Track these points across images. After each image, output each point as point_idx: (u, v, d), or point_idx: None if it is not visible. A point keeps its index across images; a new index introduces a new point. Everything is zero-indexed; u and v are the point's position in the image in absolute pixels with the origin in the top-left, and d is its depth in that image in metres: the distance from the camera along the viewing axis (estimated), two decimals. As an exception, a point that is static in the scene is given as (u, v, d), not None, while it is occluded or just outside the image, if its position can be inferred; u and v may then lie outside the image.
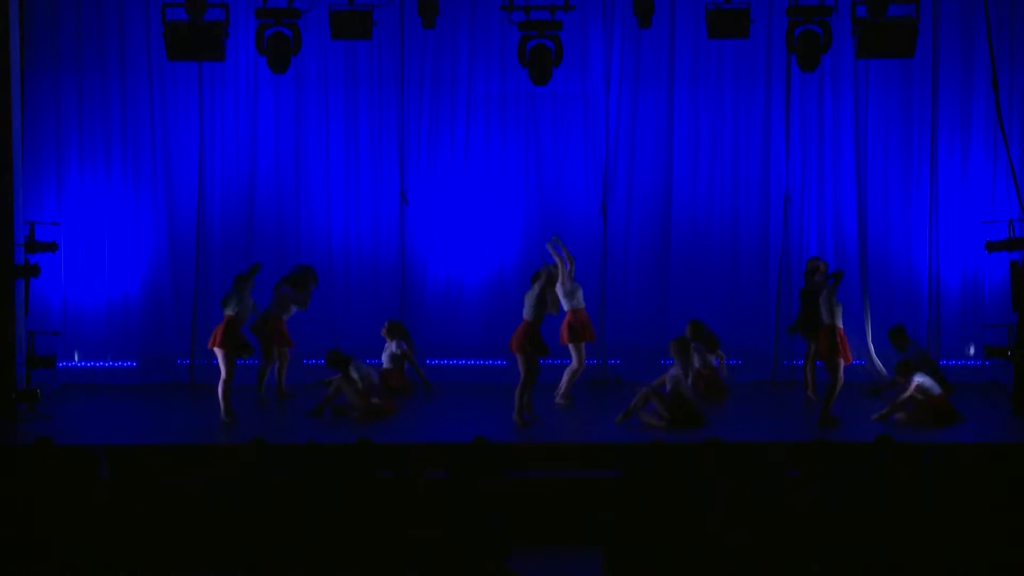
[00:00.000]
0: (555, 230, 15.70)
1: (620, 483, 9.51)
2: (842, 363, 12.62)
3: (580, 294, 13.95)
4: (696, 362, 14.10)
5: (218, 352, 12.91)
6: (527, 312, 12.89)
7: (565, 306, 13.76)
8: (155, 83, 15.55)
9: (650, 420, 12.74)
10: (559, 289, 13.58)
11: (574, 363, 13.93)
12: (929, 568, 8.44)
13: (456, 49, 15.69)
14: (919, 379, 12.91)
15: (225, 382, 12.88)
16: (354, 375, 13.31)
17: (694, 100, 15.76)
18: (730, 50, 15.44)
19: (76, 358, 15.56)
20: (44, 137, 15.39)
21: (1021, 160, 14.89)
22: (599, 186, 15.78)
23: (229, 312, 12.92)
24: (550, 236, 14.88)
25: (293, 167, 15.76)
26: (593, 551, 9.30)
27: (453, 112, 15.78)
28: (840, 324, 12.74)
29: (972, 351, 15.58)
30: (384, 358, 14.88)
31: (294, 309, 14.28)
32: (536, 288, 12.95)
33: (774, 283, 15.81)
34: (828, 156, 15.82)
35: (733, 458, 9.39)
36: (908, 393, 12.87)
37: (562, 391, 14.02)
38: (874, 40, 13.13)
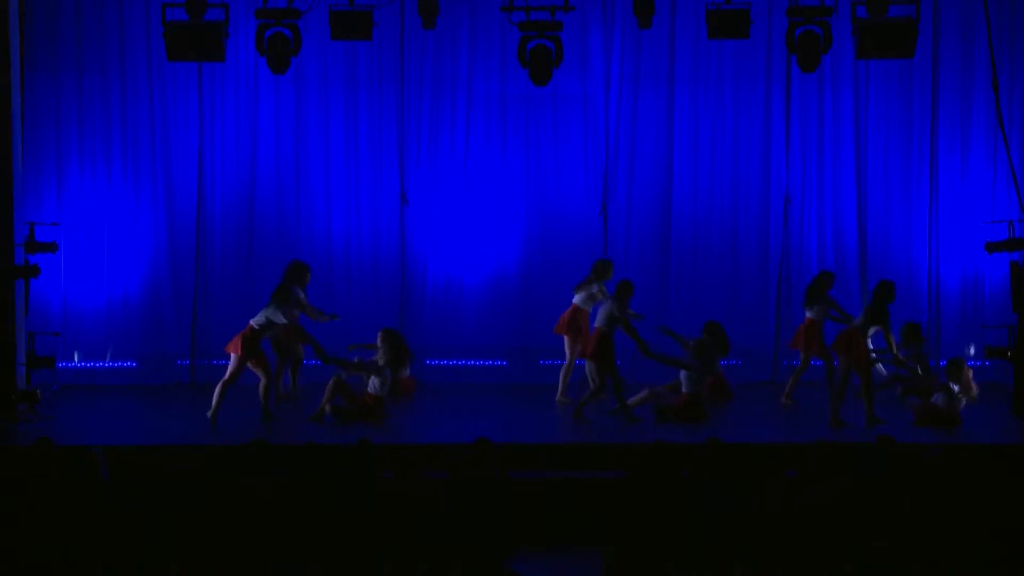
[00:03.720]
0: (555, 230, 15.78)
1: (620, 483, 9.51)
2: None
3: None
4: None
5: (234, 357, 12.88)
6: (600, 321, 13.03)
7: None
8: (155, 83, 15.56)
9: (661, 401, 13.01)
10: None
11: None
12: (929, 568, 8.44)
13: (456, 50, 15.69)
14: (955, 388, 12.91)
15: (226, 383, 12.87)
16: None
17: (694, 101, 15.76)
18: (730, 50, 15.45)
19: (76, 358, 15.56)
20: (44, 137, 15.39)
21: (1021, 160, 14.90)
22: (599, 186, 15.79)
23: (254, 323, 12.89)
24: (550, 236, 15.01)
25: (293, 167, 15.77)
26: (593, 551, 9.30)
27: (453, 112, 15.78)
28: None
29: (972, 351, 15.58)
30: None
31: (303, 303, 14.10)
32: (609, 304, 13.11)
33: (774, 283, 15.81)
34: (828, 156, 15.83)
35: (733, 458, 9.38)
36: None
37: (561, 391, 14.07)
38: (874, 40, 13.14)
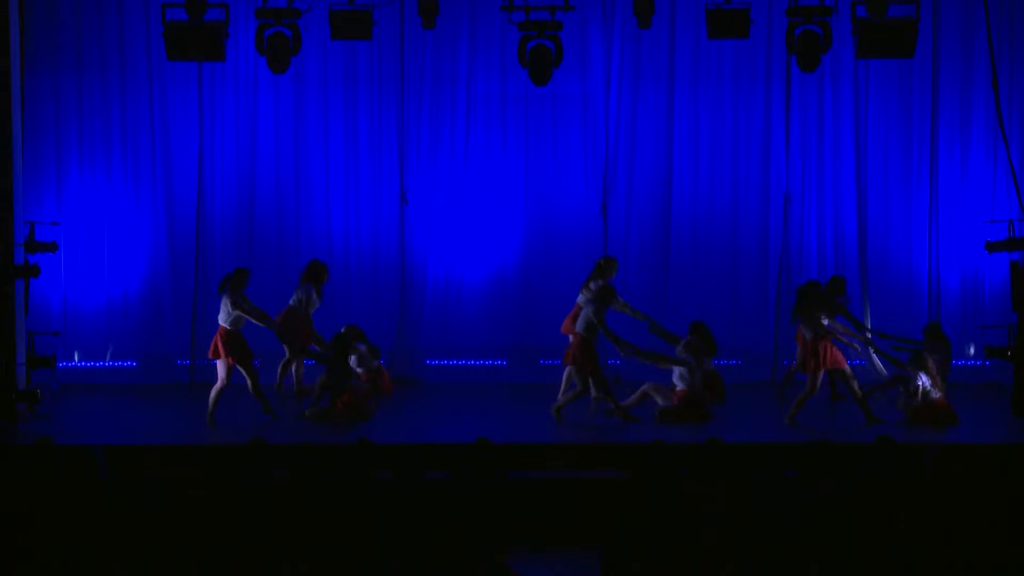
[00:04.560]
0: (555, 230, 15.78)
1: (620, 483, 9.51)
2: (821, 373, 12.72)
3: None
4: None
5: (220, 363, 12.89)
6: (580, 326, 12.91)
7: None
8: (155, 83, 15.56)
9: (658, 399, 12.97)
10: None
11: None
12: (930, 568, 8.44)
13: (456, 49, 15.69)
14: (924, 379, 12.88)
15: (220, 390, 12.93)
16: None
17: (694, 100, 15.76)
18: (730, 50, 15.45)
19: (76, 358, 15.57)
20: (44, 137, 15.40)
21: (1021, 160, 14.90)
22: (599, 186, 15.79)
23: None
24: (550, 236, 15.01)
25: (293, 167, 15.77)
26: (593, 551, 9.30)
27: (453, 112, 15.78)
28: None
29: (972, 351, 15.59)
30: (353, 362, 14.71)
31: (317, 303, 14.15)
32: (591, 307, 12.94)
33: (774, 283, 15.81)
34: (828, 156, 15.83)
35: (733, 458, 9.39)
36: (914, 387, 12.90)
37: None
38: (874, 40, 13.14)
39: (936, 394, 12.81)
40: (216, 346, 12.90)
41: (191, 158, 15.68)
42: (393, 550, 8.64)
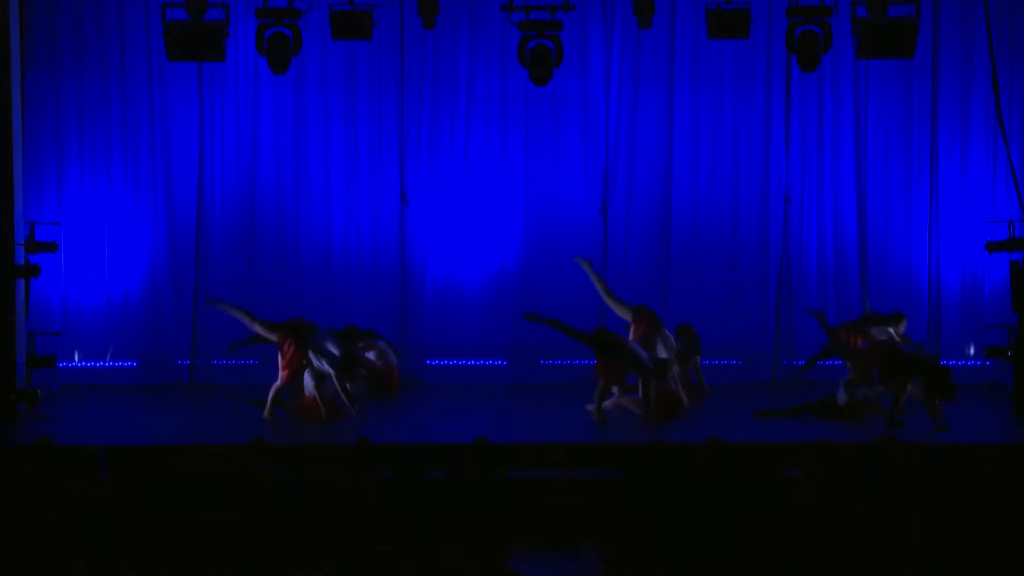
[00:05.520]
0: (555, 230, 15.78)
1: (620, 483, 9.51)
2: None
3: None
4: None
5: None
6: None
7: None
8: (155, 83, 15.55)
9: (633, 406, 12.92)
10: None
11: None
12: (929, 568, 8.45)
13: (456, 49, 15.69)
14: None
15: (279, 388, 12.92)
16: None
17: (694, 100, 15.76)
18: (730, 50, 15.44)
19: (76, 358, 15.57)
20: (44, 137, 15.39)
21: (1021, 160, 14.90)
22: (599, 186, 15.79)
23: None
24: (550, 236, 14.99)
25: (293, 167, 15.77)
26: (593, 551, 9.31)
27: (453, 112, 15.78)
28: None
29: (972, 351, 15.59)
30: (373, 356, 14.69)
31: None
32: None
33: (774, 283, 15.81)
34: (828, 156, 15.82)
35: (733, 458, 9.39)
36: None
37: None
38: (874, 40, 13.15)
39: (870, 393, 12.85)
40: (286, 351, 12.85)
41: (191, 158, 15.67)
42: (393, 550, 8.64)
